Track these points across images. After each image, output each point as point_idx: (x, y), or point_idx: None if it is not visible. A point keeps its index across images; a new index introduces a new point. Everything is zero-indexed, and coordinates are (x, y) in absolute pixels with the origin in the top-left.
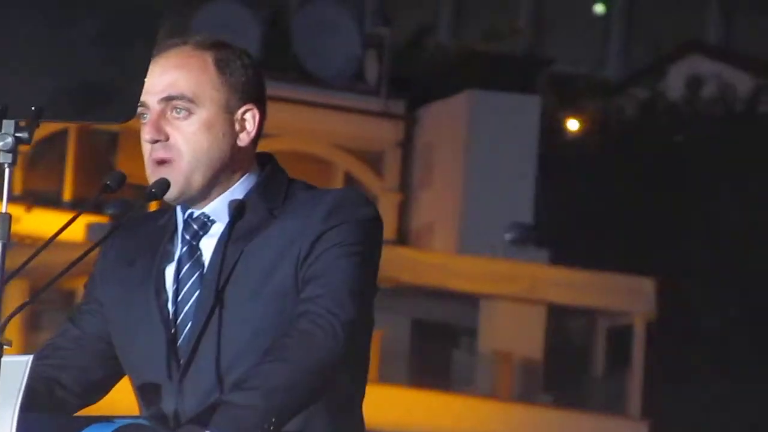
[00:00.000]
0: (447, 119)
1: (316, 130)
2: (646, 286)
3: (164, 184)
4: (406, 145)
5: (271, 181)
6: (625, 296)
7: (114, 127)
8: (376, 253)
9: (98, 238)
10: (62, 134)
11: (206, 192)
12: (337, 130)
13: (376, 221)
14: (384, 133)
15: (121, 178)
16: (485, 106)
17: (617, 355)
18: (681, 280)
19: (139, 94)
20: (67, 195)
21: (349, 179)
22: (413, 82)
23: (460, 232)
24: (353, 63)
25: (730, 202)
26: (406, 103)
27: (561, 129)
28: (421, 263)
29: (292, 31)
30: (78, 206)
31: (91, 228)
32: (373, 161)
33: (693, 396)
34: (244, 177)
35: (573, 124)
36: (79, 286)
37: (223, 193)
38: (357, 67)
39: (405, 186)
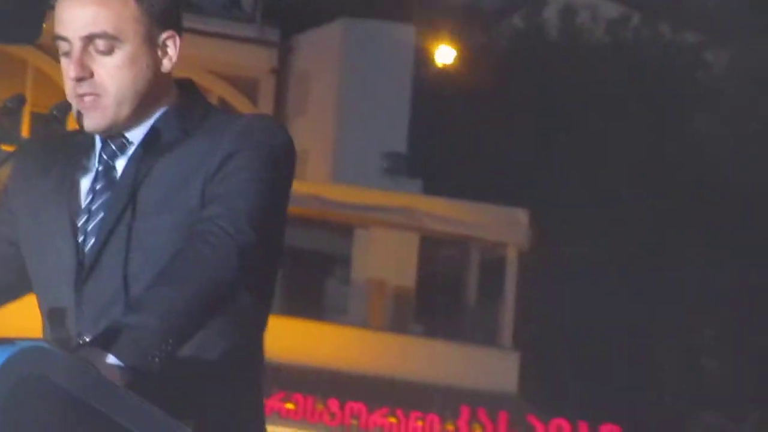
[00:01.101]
0: (321, 47)
1: (190, 56)
2: (520, 216)
3: (65, 106)
4: (281, 73)
5: (188, 104)
6: (499, 227)
7: None
8: (286, 181)
9: None
10: None
11: (132, 122)
12: (211, 57)
13: (289, 149)
14: (259, 60)
15: (21, 100)
16: (359, 34)
17: (490, 285)
18: (554, 211)
19: (44, 15)
20: None
21: (224, 106)
22: (287, 8)
23: (334, 160)
24: None
25: (604, 135)
26: (281, 30)
27: (436, 58)
28: (294, 191)
29: None
30: None
31: None
32: (248, 88)
33: (564, 327)
34: (165, 102)
35: (448, 54)
36: None
37: (146, 119)
38: None
39: (279, 113)
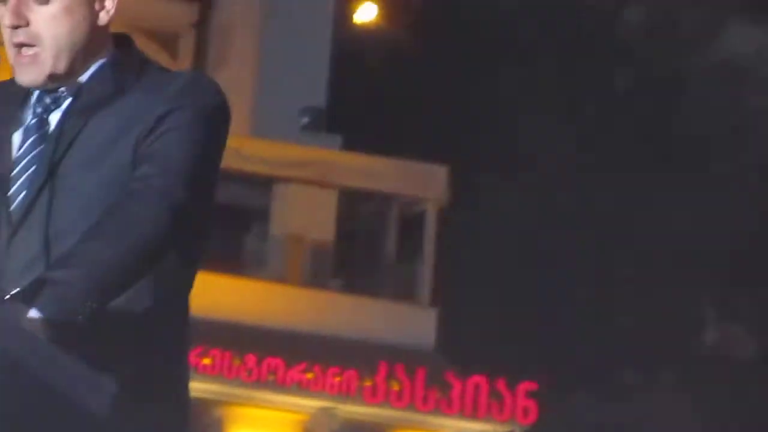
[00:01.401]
0: (242, 1)
1: None
2: (439, 172)
3: None
4: (202, 27)
5: (125, 59)
6: (418, 182)
7: None
8: (219, 143)
9: None
10: None
11: (69, 74)
12: (130, 10)
13: (224, 110)
14: (179, 14)
15: None
16: None
17: (409, 241)
18: (474, 166)
19: None
20: None
21: None
22: None
23: (253, 114)
24: None
25: (523, 91)
26: None
27: (356, 14)
28: None
29: None
30: None
31: None
32: (168, 42)
33: (483, 284)
34: (101, 56)
35: (369, 10)
36: None
37: (82, 72)
38: None
39: (199, 68)
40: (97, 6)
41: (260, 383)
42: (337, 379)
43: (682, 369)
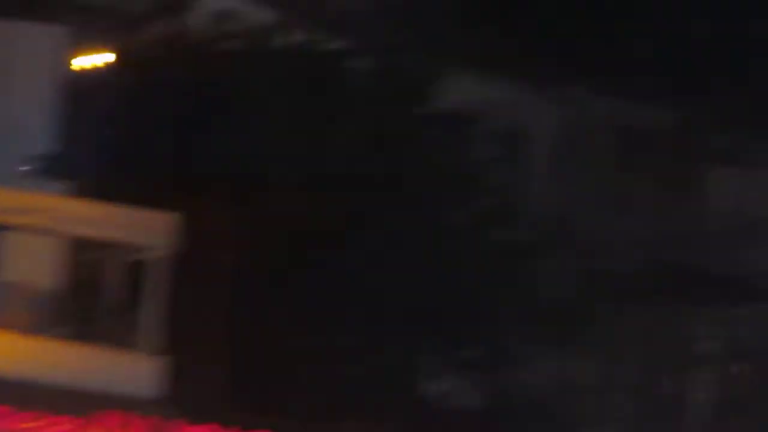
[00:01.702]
0: None
1: None
2: (165, 220)
3: None
4: None
5: None
6: (144, 230)
7: None
8: None
9: None
10: None
11: None
12: None
13: None
14: None
15: None
16: (8, 35)
17: (137, 289)
18: (204, 213)
19: None
20: None
21: None
22: None
23: None
24: None
25: (254, 139)
26: None
27: (86, 60)
28: None
29: None
30: None
31: None
32: None
33: (214, 331)
34: None
35: (98, 56)
36: None
37: None
38: None
39: None
40: None
41: None
42: (65, 427)
43: (408, 417)
